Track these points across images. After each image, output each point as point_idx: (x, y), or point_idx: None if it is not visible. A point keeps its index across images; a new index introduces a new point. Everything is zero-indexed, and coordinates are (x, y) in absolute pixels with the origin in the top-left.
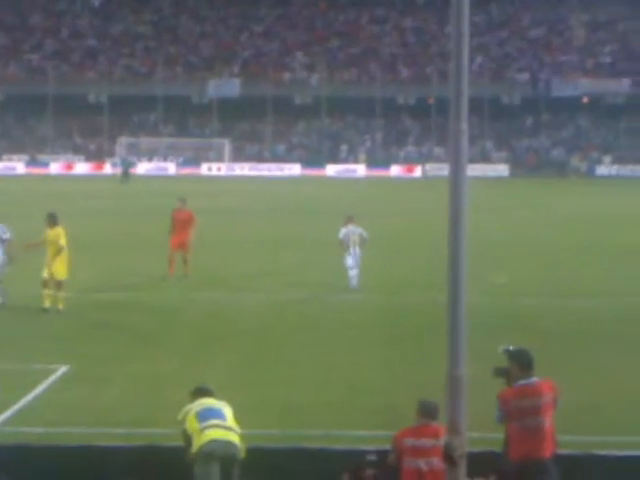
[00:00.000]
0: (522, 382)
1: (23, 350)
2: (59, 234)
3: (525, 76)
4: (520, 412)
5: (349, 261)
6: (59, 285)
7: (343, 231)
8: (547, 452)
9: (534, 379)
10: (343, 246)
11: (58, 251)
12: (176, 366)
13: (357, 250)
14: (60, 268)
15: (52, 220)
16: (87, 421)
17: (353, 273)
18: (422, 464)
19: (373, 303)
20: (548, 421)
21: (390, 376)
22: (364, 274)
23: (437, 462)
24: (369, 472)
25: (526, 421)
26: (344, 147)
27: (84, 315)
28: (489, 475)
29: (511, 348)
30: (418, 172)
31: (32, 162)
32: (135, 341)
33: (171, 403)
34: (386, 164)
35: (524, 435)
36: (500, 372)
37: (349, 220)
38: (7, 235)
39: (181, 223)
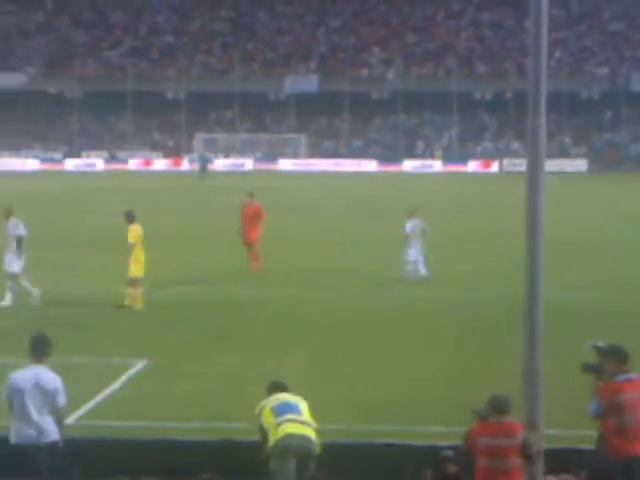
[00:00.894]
0: (620, 378)
1: (101, 345)
2: (130, 232)
3: (604, 70)
4: (620, 408)
5: (412, 254)
6: (131, 282)
7: (409, 225)
8: None
9: (633, 375)
10: (408, 240)
11: (128, 249)
12: (250, 361)
13: (420, 243)
14: (130, 265)
15: (127, 217)
16: (163, 415)
17: (416, 267)
18: (498, 464)
19: (444, 297)
20: None
21: (463, 371)
22: (436, 268)
23: (513, 461)
24: (451, 468)
25: (626, 417)
26: (420, 143)
27: (160, 310)
28: (580, 472)
29: (601, 344)
30: (495, 167)
31: (111, 159)
32: (210, 336)
33: (246, 398)
34: (463, 160)
35: (622, 431)
36: (590, 368)
37: (412, 214)
38: (22, 231)
39: (250, 218)
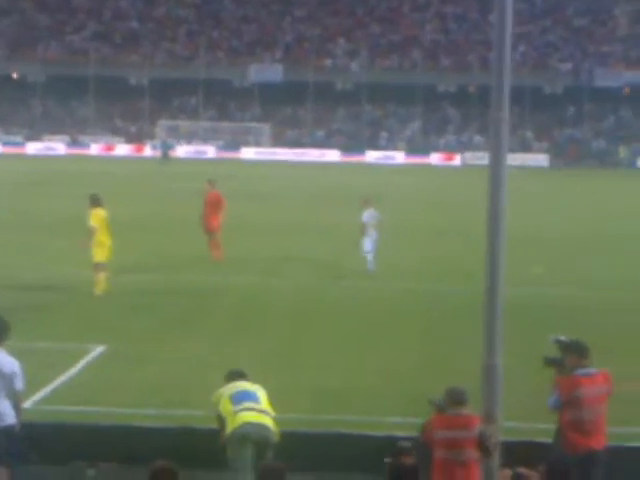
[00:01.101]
0: (580, 372)
1: (60, 329)
2: (92, 216)
3: (568, 66)
4: (578, 402)
5: (368, 245)
6: (94, 267)
7: (365, 214)
8: (601, 443)
9: (592, 369)
10: (363, 230)
11: (88, 232)
12: (210, 349)
13: (375, 234)
14: (93, 250)
15: (91, 201)
16: (122, 401)
17: (370, 257)
18: (455, 455)
19: (405, 289)
20: (603, 412)
21: (423, 363)
22: (397, 260)
23: (470, 453)
24: (409, 460)
25: (583, 412)
26: (384, 134)
27: (121, 297)
28: (537, 465)
29: (563, 338)
30: (458, 160)
31: (73, 143)
32: (171, 323)
33: (207, 385)
34: (426, 152)
35: (580, 426)
36: (552, 362)
37: (367, 203)
38: None
39: (211, 205)
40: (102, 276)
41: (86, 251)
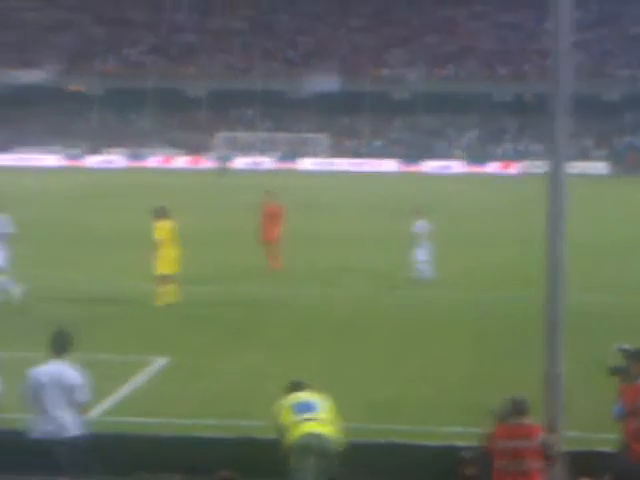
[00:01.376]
0: None
1: (123, 342)
2: (156, 229)
3: (625, 73)
4: None
5: (421, 255)
6: (158, 280)
7: (417, 225)
8: None
9: None
10: (416, 240)
11: (154, 246)
12: (269, 360)
13: (427, 244)
14: (156, 263)
15: (156, 214)
16: (183, 412)
17: (425, 267)
18: (516, 465)
19: (463, 299)
20: None
21: (476, 373)
22: (455, 269)
23: (531, 463)
24: (470, 470)
25: None
26: (441, 143)
27: (182, 308)
28: (602, 475)
29: (627, 347)
30: (515, 169)
31: (132, 156)
32: (230, 334)
33: (267, 395)
34: (483, 161)
35: None
36: (617, 370)
37: (419, 213)
38: (9, 229)
39: (269, 217)
40: (167, 288)
41: (151, 263)
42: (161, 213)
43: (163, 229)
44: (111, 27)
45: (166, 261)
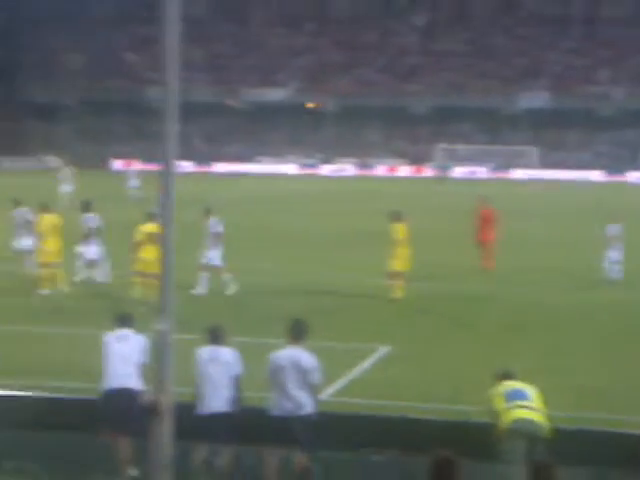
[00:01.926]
0: None
1: (351, 330)
2: (394, 230)
3: None
4: None
5: (614, 256)
6: (391, 276)
7: (610, 228)
8: None
9: None
10: (608, 243)
11: (393, 244)
12: (484, 350)
13: (619, 246)
14: (390, 260)
15: (393, 217)
16: (405, 396)
17: (618, 267)
18: None
19: None
20: None
21: None
22: None
23: None
24: None
25: None
26: None
27: (405, 302)
28: None
29: None
30: None
31: (361, 165)
32: (448, 326)
33: (479, 383)
34: None
35: None
36: None
37: (613, 219)
38: (220, 229)
39: (483, 220)
40: (397, 284)
41: (384, 261)
42: (397, 216)
43: (399, 230)
44: (346, 50)
45: (400, 259)
